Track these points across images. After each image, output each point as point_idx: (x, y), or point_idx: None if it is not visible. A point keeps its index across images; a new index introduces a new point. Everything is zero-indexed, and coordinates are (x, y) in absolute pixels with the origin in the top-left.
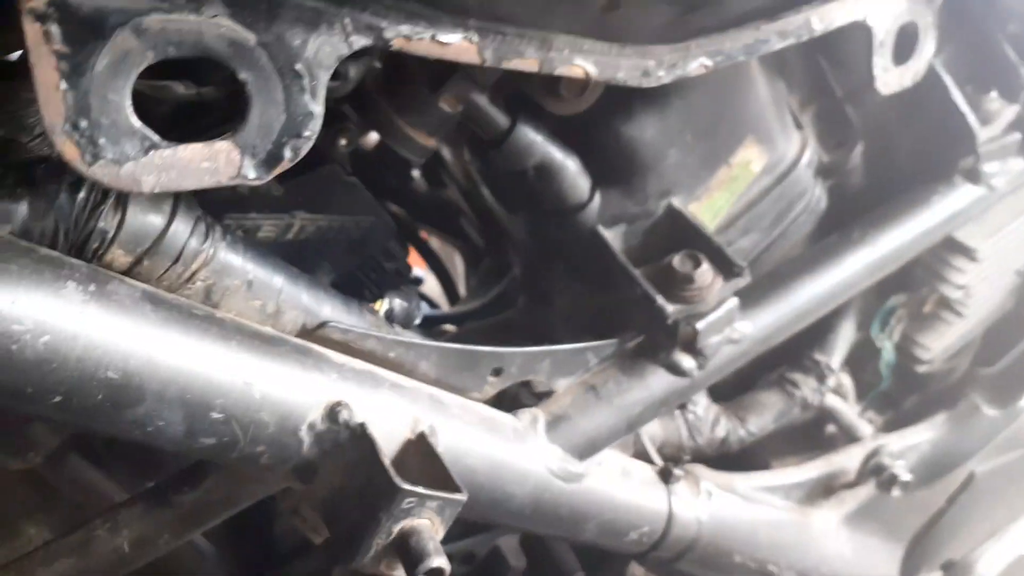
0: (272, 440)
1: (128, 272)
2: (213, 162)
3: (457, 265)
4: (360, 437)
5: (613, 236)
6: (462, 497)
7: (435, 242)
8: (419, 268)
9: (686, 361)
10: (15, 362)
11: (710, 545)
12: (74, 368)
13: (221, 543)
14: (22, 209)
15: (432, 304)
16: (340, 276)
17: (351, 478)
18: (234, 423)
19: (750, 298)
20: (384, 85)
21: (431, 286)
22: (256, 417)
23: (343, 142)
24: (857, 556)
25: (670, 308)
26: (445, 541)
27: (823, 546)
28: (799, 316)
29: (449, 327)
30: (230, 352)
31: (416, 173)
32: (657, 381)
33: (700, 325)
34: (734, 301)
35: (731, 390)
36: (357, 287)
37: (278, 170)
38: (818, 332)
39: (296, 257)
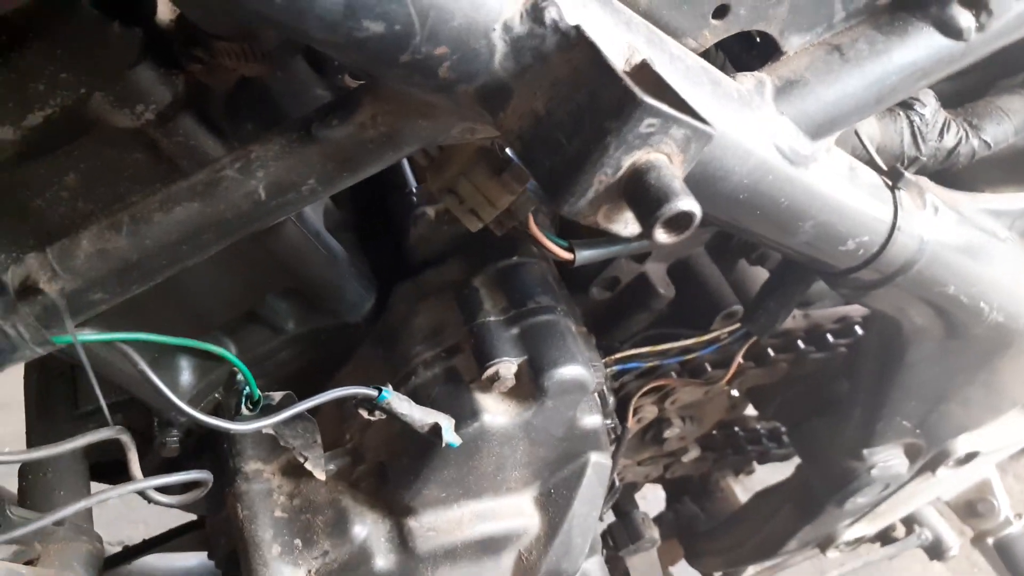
0: (456, 39)
1: None
2: None
3: None
4: (577, 43)
5: None
6: (712, 129)
7: None
8: None
9: (963, 18)
10: None
11: (926, 270)
12: None
13: (352, 250)
14: None
15: None
16: None
17: (564, 98)
18: (410, 2)
19: None
20: None
21: None
22: None
23: None
24: None
25: None
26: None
27: None
28: None
29: None
30: None
31: None
32: (923, 42)
33: None
34: None
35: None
36: None
37: None
38: None
39: None
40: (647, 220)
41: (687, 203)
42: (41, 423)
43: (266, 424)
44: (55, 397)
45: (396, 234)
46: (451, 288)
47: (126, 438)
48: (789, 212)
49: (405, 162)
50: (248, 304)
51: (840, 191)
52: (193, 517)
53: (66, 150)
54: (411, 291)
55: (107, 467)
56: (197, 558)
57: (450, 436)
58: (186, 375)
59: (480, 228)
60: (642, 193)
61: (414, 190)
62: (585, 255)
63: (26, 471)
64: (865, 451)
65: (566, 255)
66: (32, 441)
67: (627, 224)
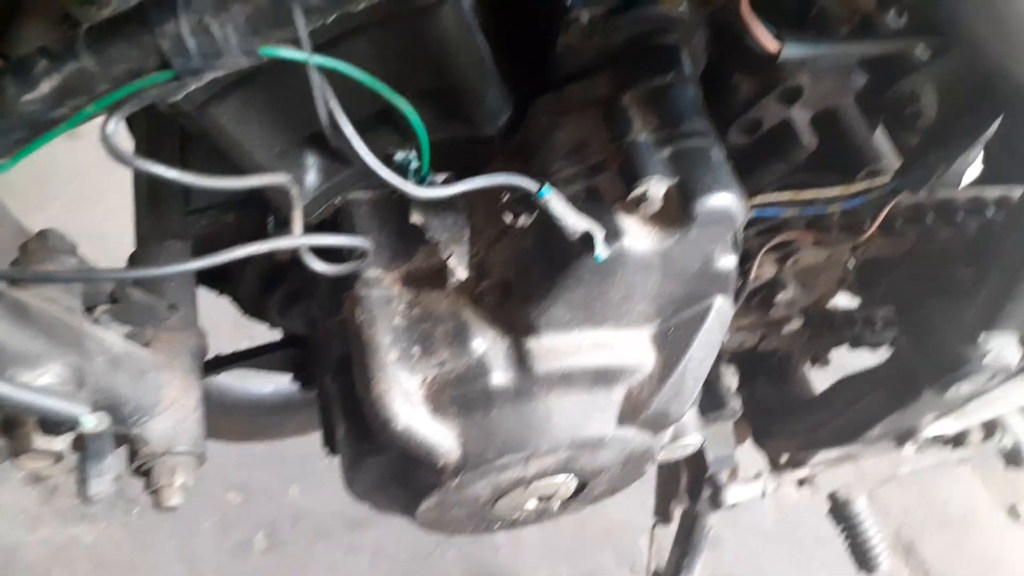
0: None
1: None
2: None
3: None
4: None
5: None
6: None
7: None
8: None
9: None
10: None
11: None
12: None
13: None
14: None
15: None
16: None
17: None
18: None
19: None
20: None
21: None
22: None
23: None
24: None
25: None
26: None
27: None
28: None
29: None
30: None
31: None
32: None
33: None
34: None
35: None
36: None
37: None
38: None
39: None
40: None
41: None
42: (151, 219)
43: (448, 193)
44: (166, 193)
45: (538, 43)
46: (597, 104)
47: (295, 191)
48: None
49: None
50: (383, 101)
51: None
52: (276, 339)
53: None
54: (553, 105)
55: (207, 274)
56: (273, 384)
57: (600, 248)
58: (312, 174)
59: (679, 10)
60: None
61: None
62: (793, 50)
63: (136, 260)
64: (982, 336)
65: (774, 45)
66: (141, 238)
67: None
